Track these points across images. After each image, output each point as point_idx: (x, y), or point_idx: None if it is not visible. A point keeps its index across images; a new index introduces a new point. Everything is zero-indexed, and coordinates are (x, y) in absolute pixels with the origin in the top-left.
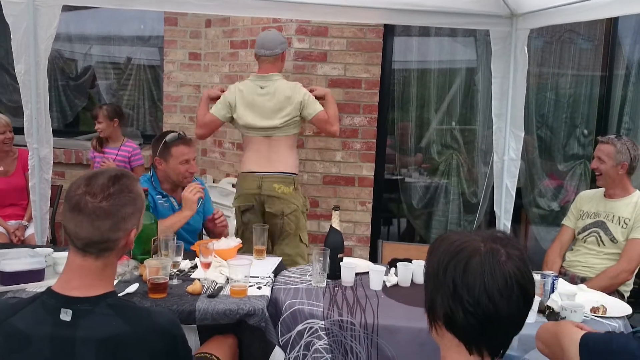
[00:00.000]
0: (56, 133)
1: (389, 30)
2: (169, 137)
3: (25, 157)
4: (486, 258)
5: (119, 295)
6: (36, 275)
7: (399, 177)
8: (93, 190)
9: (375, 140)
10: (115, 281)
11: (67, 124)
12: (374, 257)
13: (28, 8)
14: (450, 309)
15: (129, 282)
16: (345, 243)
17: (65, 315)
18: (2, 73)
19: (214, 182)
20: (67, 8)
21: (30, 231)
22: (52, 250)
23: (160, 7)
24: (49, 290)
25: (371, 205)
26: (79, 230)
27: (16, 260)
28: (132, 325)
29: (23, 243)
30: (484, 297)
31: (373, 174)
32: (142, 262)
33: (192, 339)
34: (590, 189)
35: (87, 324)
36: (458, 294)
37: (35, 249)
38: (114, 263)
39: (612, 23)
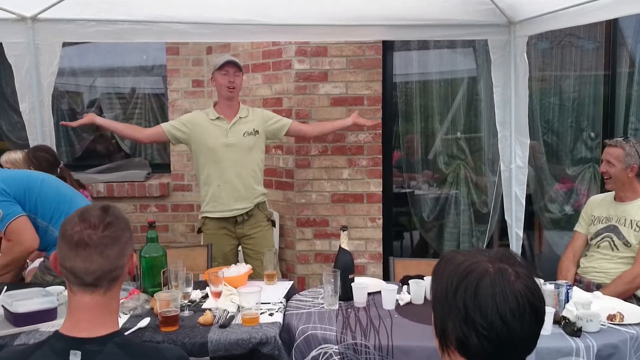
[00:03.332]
0: (66, 167)
1: (388, 46)
2: None
3: None
4: (496, 279)
5: (130, 330)
6: (49, 314)
7: (408, 190)
8: (92, 222)
9: (381, 156)
10: (127, 316)
11: (76, 158)
12: (387, 273)
13: (29, 47)
14: (463, 334)
15: (140, 317)
16: (358, 261)
17: (75, 357)
18: (10, 111)
19: None
20: (69, 43)
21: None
22: (63, 288)
23: (159, 38)
24: (57, 333)
25: (381, 221)
26: (89, 265)
27: (28, 301)
28: None
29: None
30: (497, 319)
31: (381, 189)
32: (152, 295)
33: None
34: (601, 191)
35: None
36: (470, 317)
37: (46, 288)
38: (117, 297)
39: (612, 22)
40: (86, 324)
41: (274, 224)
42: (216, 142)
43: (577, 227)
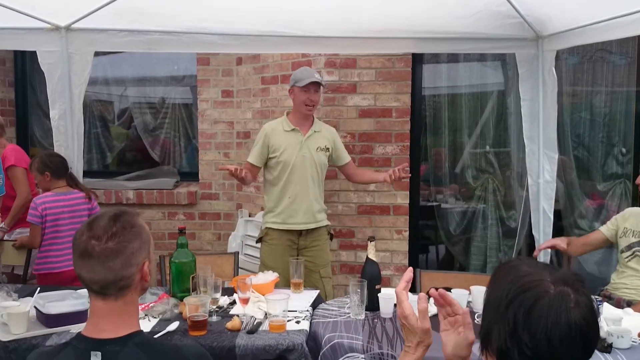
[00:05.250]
0: (96, 174)
1: (418, 59)
2: None
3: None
4: (554, 302)
5: (159, 333)
6: (80, 316)
7: (434, 204)
8: (97, 233)
9: (408, 169)
10: (156, 320)
11: (107, 165)
12: (413, 285)
13: (62, 56)
14: (505, 345)
15: (169, 321)
16: (383, 272)
17: (95, 357)
18: (44, 119)
19: (249, 215)
20: (102, 52)
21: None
22: None
23: (188, 48)
24: (79, 334)
25: (407, 233)
26: (92, 275)
27: (60, 302)
28: None
29: None
30: (544, 342)
31: (408, 201)
32: (181, 300)
33: None
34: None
35: None
36: (517, 333)
37: (77, 291)
38: (135, 301)
39: None
40: (105, 326)
41: (331, 237)
42: (291, 154)
43: (601, 227)
